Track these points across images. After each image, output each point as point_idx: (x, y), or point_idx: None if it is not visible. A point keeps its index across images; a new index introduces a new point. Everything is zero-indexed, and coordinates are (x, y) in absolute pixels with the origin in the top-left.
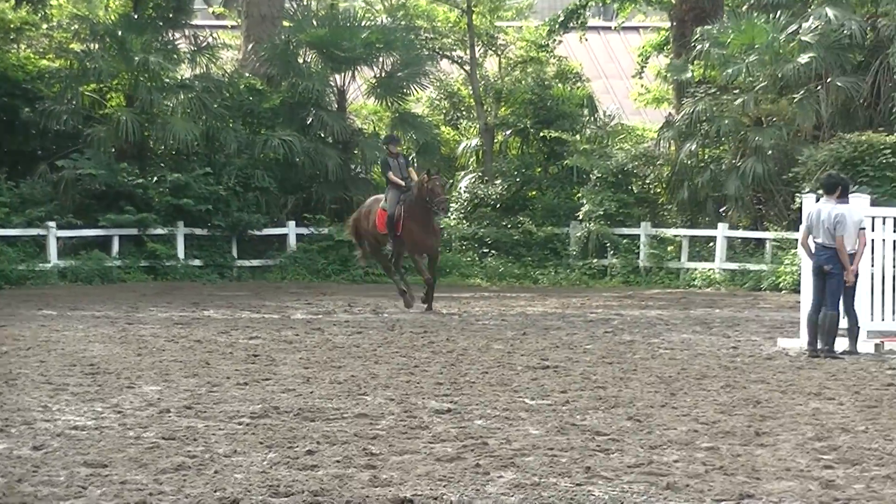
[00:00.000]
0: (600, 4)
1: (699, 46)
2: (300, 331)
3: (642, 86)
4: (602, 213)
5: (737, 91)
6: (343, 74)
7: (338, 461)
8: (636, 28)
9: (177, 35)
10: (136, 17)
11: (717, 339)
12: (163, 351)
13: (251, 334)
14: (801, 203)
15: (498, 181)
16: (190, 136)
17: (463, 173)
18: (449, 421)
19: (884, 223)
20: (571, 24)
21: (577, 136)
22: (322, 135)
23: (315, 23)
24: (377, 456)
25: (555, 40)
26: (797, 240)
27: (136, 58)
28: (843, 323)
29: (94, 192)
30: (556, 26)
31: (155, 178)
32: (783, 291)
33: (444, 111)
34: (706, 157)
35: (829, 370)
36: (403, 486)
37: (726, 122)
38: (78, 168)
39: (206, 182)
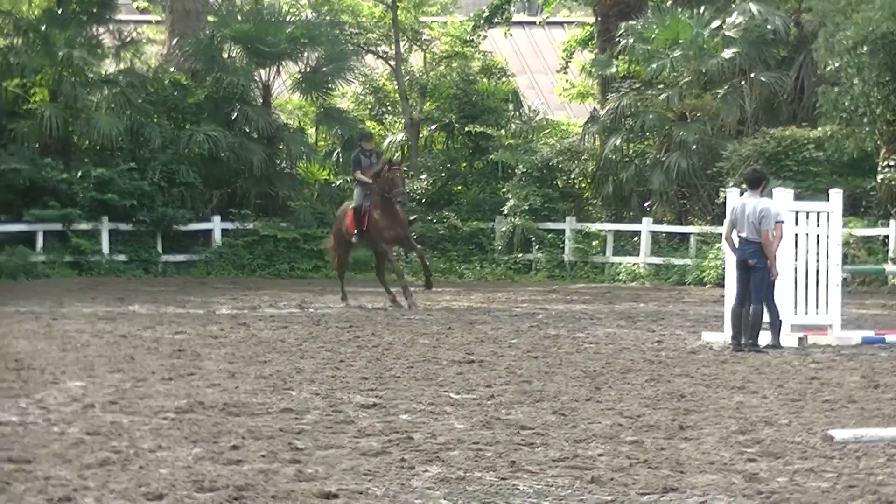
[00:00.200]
0: (525, 0)
1: (623, 41)
2: (225, 326)
3: (567, 81)
4: (527, 207)
5: (661, 86)
6: (268, 69)
7: (263, 456)
8: (561, 23)
9: (101, 30)
10: (59, 12)
11: (642, 334)
12: (87, 346)
13: (176, 329)
14: (725, 197)
15: (423, 176)
16: (114, 132)
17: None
18: (374, 415)
19: (807, 218)
20: (496, 20)
21: (503, 131)
22: (247, 130)
23: (240, 18)
24: (302, 451)
25: (480, 35)
26: (721, 234)
27: (60, 53)
28: (765, 317)
29: (18, 187)
30: (481, 21)
31: (79, 174)
32: (707, 286)
33: (369, 106)
34: (631, 151)
35: (752, 364)
36: (328, 481)
37: (651, 116)
38: (1, 163)
39: (131, 177)
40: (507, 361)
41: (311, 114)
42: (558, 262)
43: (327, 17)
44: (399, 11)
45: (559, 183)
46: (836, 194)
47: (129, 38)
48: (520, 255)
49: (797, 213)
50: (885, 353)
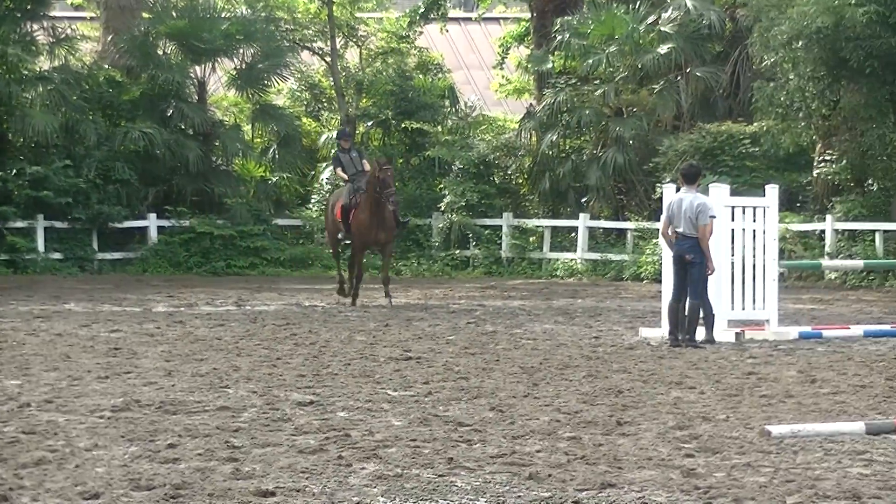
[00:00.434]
0: None
1: (559, 37)
2: (162, 324)
3: (503, 77)
4: (464, 204)
5: (597, 81)
6: (203, 66)
7: (199, 454)
8: (497, 19)
9: (35, 27)
10: None
11: (580, 329)
12: (23, 345)
13: (112, 327)
14: (661, 193)
15: None
16: (49, 129)
17: (324, 165)
18: (311, 413)
19: (743, 213)
20: (432, 15)
21: (439, 128)
22: (182, 127)
23: (174, 14)
24: (239, 448)
25: (416, 31)
26: (658, 229)
27: None
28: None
29: None
30: (417, 17)
31: (14, 171)
32: (644, 281)
33: (305, 102)
34: (567, 147)
35: (690, 359)
36: (266, 479)
37: (587, 112)
38: None
39: (66, 175)
40: (444, 358)
41: (247, 110)
42: (496, 258)
43: (262, 14)
44: (334, 7)
45: (496, 179)
46: (773, 189)
47: (63, 35)
48: (457, 251)
49: (733, 208)
50: (822, 348)
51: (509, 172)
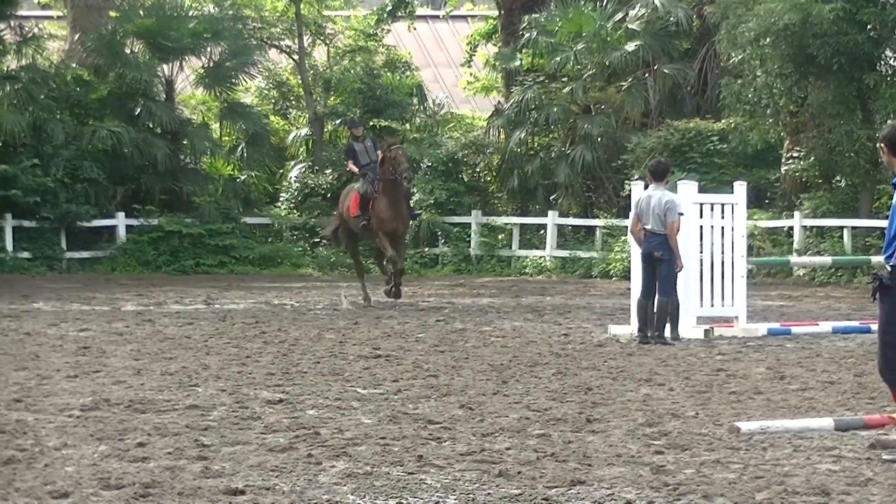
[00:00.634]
0: None
1: (527, 35)
2: (131, 322)
3: (471, 74)
4: (433, 201)
5: (565, 79)
6: (171, 64)
7: (169, 453)
8: (465, 17)
9: (2, 26)
10: None
11: (549, 327)
12: None
13: (81, 326)
14: (630, 190)
15: (328, 171)
16: (17, 128)
17: (293, 163)
18: (281, 411)
19: (712, 210)
20: (400, 13)
21: (407, 126)
22: (150, 125)
23: (142, 13)
24: (209, 447)
25: (383, 29)
26: (627, 227)
27: None
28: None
29: None
30: (385, 15)
31: None
32: (613, 278)
33: (273, 101)
34: (536, 145)
35: (659, 356)
36: (235, 477)
37: (555, 110)
38: None
39: (34, 174)
40: (413, 356)
41: (215, 109)
42: (464, 255)
43: (230, 12)
44: (302, 5)
45: (464, 177)
46: (741, 186)
47: (30, 34)
48: (426, 249)
49: (702, 205)
50: (791, 344)
51: (478, 170)
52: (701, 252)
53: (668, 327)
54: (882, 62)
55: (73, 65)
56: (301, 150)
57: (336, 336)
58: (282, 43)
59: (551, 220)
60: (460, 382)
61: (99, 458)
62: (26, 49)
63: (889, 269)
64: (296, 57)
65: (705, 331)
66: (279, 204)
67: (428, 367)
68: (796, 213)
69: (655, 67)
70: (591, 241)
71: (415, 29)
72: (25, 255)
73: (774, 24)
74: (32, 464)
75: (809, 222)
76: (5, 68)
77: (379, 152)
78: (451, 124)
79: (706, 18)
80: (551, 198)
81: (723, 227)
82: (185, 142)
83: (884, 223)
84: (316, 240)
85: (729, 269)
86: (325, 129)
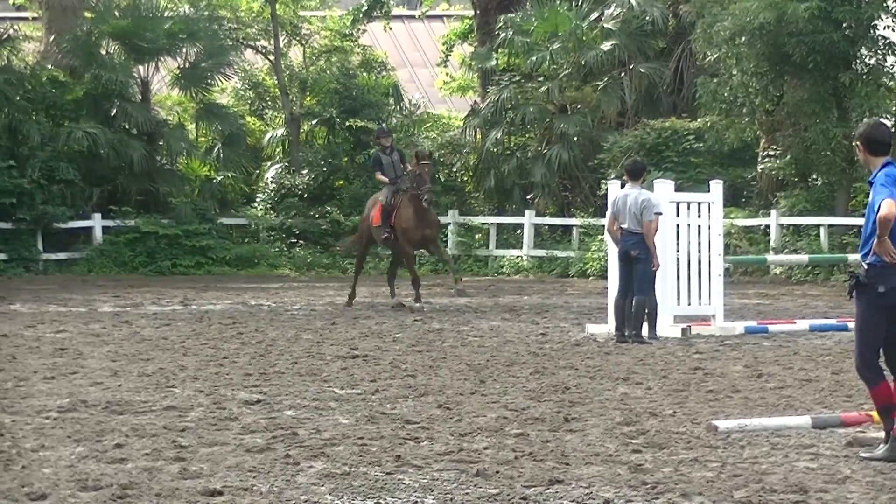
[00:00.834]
0: None
1: (503, 34)
2: (108, 324)
3: (447, 74)
4: None
5: (541, 79)
6: (146, 65)
7: (147, 454)
8: (440, 16)
9: None
10: None
11: (526, 326)
12: None
13: (58, 328)
14: (606, 189)
15: (305, 171)
16: None
17: (269, 163)
18: (258, 412)
19: (688, 208)
20: (375, 13)
21: (383, 125)
22: (126, 126)
23: (117, 13)
24: (186, 448)
25: (359, 29)
26: (604, 226)
27: None
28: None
29: None
30: (360, 15)
31: None
32: (590, 278)
33: (249, 101)
34: (512, 144)
35: (636, 355)
36: (213, 478)
37: (531, 109)
38: None
39: (10, 175)
40: (391, 356)
41: (191, 110)
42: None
43: (206, 13)
44: (278, 6)
45: (441, 177)
46: (717, 185)
47: (5, 36)
48: None
49: (678, 203)
50: (768, 342)
51: (454, 170)
52: (678, 251)
53: (645, 326)
54: (857, 60)
55: (49, 66)
56: (277, 150)
57: (313, 336)
58: (257, 43)
59: (528, 219)
60: (438, 382)
61: (76, 459)
62: (1, 50)
63: (865, 266)
64: (272, 57)
65: (683, 329)
66: (256, 204)
67: (405, 366)
68: (773, 212)
69: (631, 67)
70: (568, 241)
71: (391, 29)
72: (2, 256)
73: (750, 23)
74: (10, 465)
75: (786, 220)
76: None
77: (409, 166)
78: (428, 124)
79: (682, 17)
80: (528, 197)
81: (699, 226)
82: (161, 143)
83: (860, 221)
84: (292, 240)
85: (706, 268)
86: (302, 130)
